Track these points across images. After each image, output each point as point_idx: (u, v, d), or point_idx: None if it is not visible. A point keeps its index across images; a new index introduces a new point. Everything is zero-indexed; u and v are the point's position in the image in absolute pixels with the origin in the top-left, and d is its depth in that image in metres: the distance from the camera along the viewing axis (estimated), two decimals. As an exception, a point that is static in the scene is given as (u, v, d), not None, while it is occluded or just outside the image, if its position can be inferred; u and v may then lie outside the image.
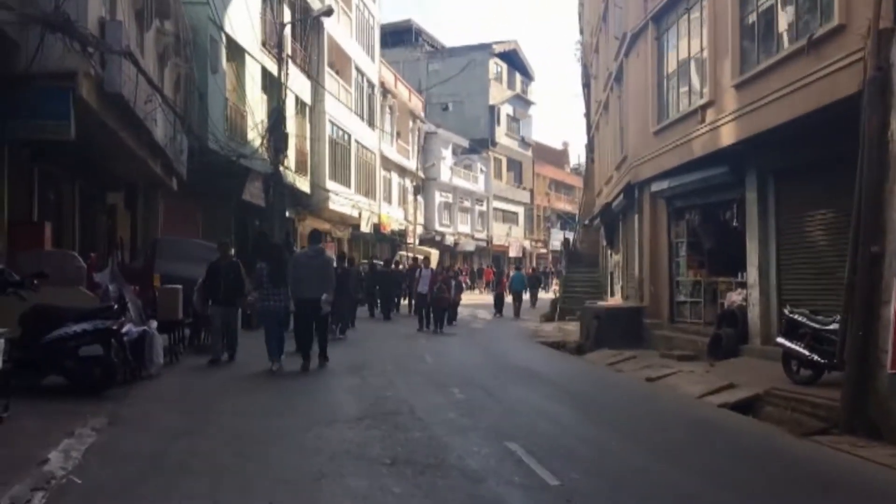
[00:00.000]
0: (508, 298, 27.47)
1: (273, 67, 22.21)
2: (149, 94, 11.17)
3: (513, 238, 59.85)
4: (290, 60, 23.08)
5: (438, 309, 19.20)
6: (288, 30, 23.88)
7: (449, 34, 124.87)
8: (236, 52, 21.02)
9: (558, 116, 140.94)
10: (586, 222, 29.45)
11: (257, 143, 20.57)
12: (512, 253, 59.35)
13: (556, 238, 68.06)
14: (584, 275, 28.26)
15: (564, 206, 70.69)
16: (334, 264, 13.26)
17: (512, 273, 31.23)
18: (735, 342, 12.62)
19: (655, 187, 15.76)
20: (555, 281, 38.69)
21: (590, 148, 30.16)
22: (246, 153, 19.54)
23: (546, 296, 33.45)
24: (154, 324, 9.64)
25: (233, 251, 13.47)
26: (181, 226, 20.46)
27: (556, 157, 72.74)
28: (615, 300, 22.09)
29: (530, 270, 40.69)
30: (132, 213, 18.74)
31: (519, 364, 13.48)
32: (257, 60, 22.44)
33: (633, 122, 17.81)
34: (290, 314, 11.39)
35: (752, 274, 12.52)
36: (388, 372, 10.99)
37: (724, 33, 12.45)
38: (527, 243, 63.10)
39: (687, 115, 14.03)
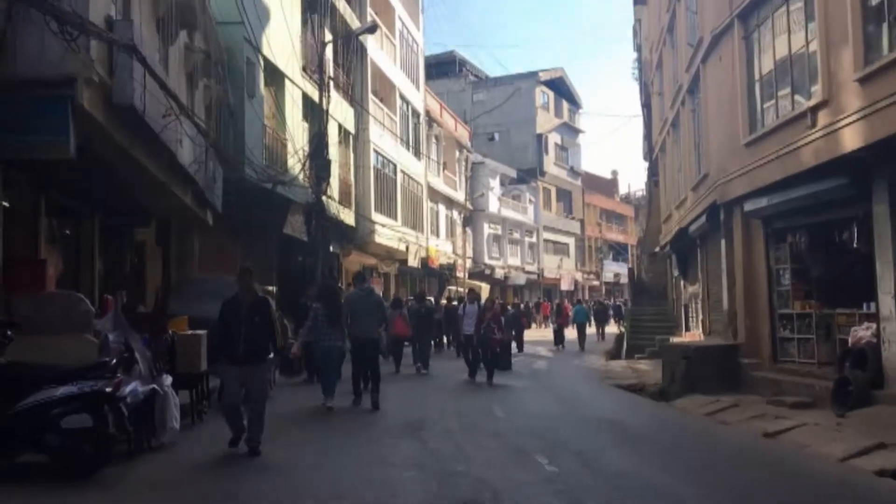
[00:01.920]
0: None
1: (314, 93, 20.72)
2: (167, 108, 9.54)
3: (564, 270, 57.60)
4: (332, 85, 21.64)
5: (487, 353, 15.03)
6: (330, 53, 22.51)
7: (491, 67, 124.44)
8: (275, 76, 19.62)
9: (605, 146, 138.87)
10: (654, 251, 27.25)
11: (298, 172, 19.02)
12: (564, 286, 57.13)
13: (609, 269, 65.81)
14: (651, 308, 26.04)
15: (616, 236, 68.38)
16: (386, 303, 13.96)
17: (574, 306, 30.55)
18: (866, 387, 10.43)
19: (749, 206, 13.69)
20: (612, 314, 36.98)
21: (652, 171, 28.10)
22: (285, 181, 17.90)
23: (611, 330, 31.50)
24: (168, 379, 7.87)
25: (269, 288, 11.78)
26: (218, 264, 18.92)
27: (606, 187, 70.64)
28: (694, 336, 19.88)
29: (597, 303, 39.00)
30: (164, 251, 17.27)
31: (602, 415, 11.45)
32: (297, 86, 21.02)
33: (716, 135, 15.80)
34: (343, 356, 11.66)
35: (886, 304, 10.36)
36: (453, 432, 9.05)
37: (841, 19, 10.45)
38: (579, 275, 60.76)
39: (790, 120, 12.01)
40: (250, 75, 17.83)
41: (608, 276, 65.12)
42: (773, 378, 13.03)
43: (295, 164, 18.86)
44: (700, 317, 19.45)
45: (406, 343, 17.82)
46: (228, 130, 16.64)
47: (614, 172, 75.41)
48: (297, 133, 20.56)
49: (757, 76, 13.64)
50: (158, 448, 7.34)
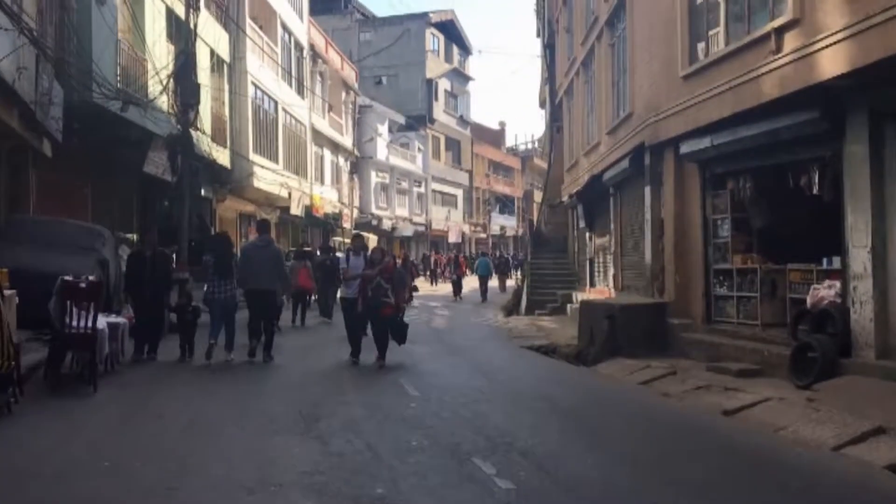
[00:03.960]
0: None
1: (181, 10, 17.58)
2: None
3: (452, 222, 56.08)
4: (202, 2, 18.56)
5: (378, 325, 10.98)
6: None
7: (379, 5, 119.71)
8: (132, -17, 16.45)
9: (493, 96, 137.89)
10: (556, 203, 25.79)
11: (161, 99, 16.05)
12: (451, 238, 55.66)
13: (496, 222, 64.85)
14: (551, 261, 24.66)
15: (503, 188, 67.38)
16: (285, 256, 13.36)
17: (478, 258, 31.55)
18: (834, 354, 9.08)
19: (686, 148, 12.11)
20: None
21: (554, 117, 26.50)
22: (139, 102, 14.93)
23: (511, 283, 30.47)
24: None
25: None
26: (64, 207, 15.85)
27: (494, 138, 69.28)
28: (602, 292, 18.53)
29: (499, 257, 38.53)
30: (-12, 188, 14.11)
31: (528, 390, 9.67)
32: (161, -2, 17.86)
33: (645, 69, 14.14)
34: (236, 307, 11.16)
35: (858, 259, 8.96)
36: (360, 423, 6.94)
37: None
38: (466, 228, 59.41)
39: (746, 45, 10.36)
40: (99, -24, 14.65)
41: (495, 228, 64.20)
42: (708, 341, 11.65)
43: (156, 88, 15.82)
44: (611, 271, 18.07)
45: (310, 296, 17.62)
46: (69, 42, 13.54)
47: (502, 123, 74.60)
48: (161, 54, 17.47)
49: (701, -3, 11.96)
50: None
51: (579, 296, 20.62)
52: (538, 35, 36.36)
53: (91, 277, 8.48)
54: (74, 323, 7.90)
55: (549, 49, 27.51)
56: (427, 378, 9.91)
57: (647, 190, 14.11)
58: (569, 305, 20.86)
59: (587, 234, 21.08)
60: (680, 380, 10.42)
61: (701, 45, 12.01)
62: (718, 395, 9.28)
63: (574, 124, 22.45)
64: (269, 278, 10.93)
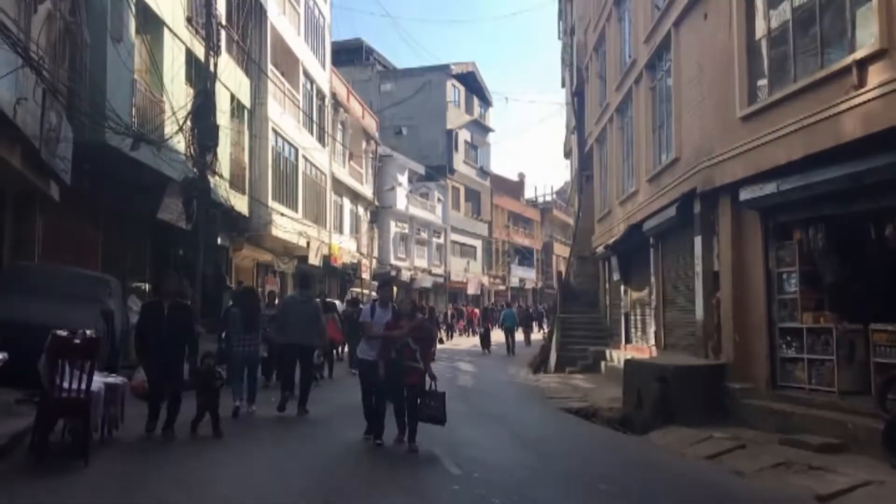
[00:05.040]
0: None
1: (202, 53, 16.88)
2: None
3: (471, 273, 54.98)
4: (224, 43, 17.91)
5: (407, 394, 8.72)
6: (222, 5, 18.80)
7: (399, 56, 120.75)
8: (151, 22, 15.78)
9: (512, 147, 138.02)
10: (585, 255, 24.69)
11: (177, 140, 15.22)
12: (470, 290, 54.55)
13: (515, 274, 63.65)
14: (581, 316, 23.45)
15: (522, 239, 66.39)
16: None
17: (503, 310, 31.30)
18: (939, 431, 7.86)
19: (747, 194, 11.04)
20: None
21: (583, 166, 25.59)
22: (152, 140, 14.07)
23: (536, 336, 29.43)
24: None
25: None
26: (73, 254, 14.97)
27: (513, 189, 68.57)
28: (642, 350, 17.30)
29: (521, 309, 38.36)
30: (-7, 234, 13.24)
31: (583, 468, 8.46)
32: (180, 39, 17.19)
33: (695, 111, 13.18)
34: (261, 360, 11.39)
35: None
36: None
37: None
38: (485, 279, 58.26)
39: (820, 81, 9.38)
40: (116, 13, 13.96)
41: (514, 280, 63.00)
42: (776, 409, 10.40)
43: (173, 129, 14.98)
44: (651, 328, 16.87)
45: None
46: (81, 78, 12.78)
47: (521, 175, 73.58)
48: (179, 96, 16.73)
49: (761, 32, 11.02)
50: None
51: (614, 353, 19.41)
52: (563, 85, 35.86)
53: (89, 332, 7.43)
54: (66, 384, 6.84)
55: (577, 97, 26.75)
56: (466, 450, 8.70)
57: (698, 240, 13.01)
58: (603, 363, 19.65)
59: (622, 288, 19.92)
60: (752, 455, 9.19)
61: (762, 83, 11.04)
62: (803, 475, 8.06)
63: (607, 173, 21.49)
64: (307, 334, 10.90)
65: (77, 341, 6.91)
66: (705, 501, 7.19)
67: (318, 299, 15.26)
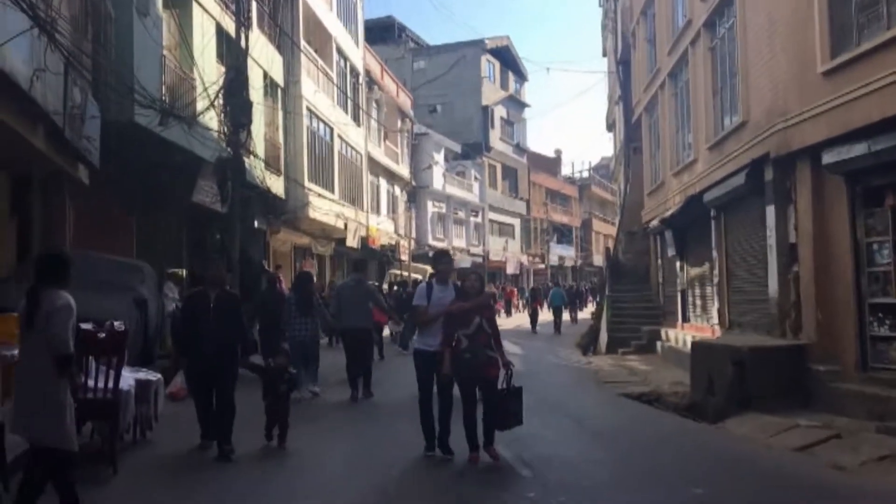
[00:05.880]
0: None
1: (232, 29, 16.06)
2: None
3: (510, 253, 54.05)
4: (255, 18, 17.13)
5: (483, 392, 7.26)
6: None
7: (431, 34, 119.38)
8: (179, -4, 15.07)
9: (547, 123, 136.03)
10: (633, 230, 23.61)
11: (210, 116, 14.48)
12: (509, 269, 53.65)
13: (554, 252, 62.51)
14: (631, 294, 22.44)
15: (560, 217, 65.13)
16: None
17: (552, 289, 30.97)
18: None
19: (833, 157, 9.96)
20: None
21: (629, 138, 24.45)
22: (181, 115, 13.31)
23: (582, 316, 28.73)
24: None
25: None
26: (105, 240, 14.37)
27: (550, 166, 67.26)
28: (703, 330, 16.29)
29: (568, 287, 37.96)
30: (21, 220, 12.65)
31: (664, 465, 7.56)
32: (210, 14, 16.46)
33: (765, 69, 12.07)
34: (318, 344, 11.49)
35: None
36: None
37: None
38: (524, 258, 57.28)
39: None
40: (142, -15, 13.25)
41: (553, 258, 61.90)
42: (868, 393, 9.40)
43: (205, 107, 14.22)
44: (712, 305, 15.85)
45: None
46: (109, 53, 12.09)
47: (558, 151, 72.23)
48: (211, 73, 16.00)
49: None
50: None
51: (670, 333, 18.42)
52: (604, 54, 34.57)
53: (117, 324, 6.73)
54: (91, 383, 6.14)
55: (622, 65, 25.53)
56: (532, 446, 7.86)
57: (770, 210, 11.96)
58: (658, 343, 18.67)
59: (677, 264, 18.86)
60: (850, 446, 8.24)
61: (847, 34, 9.93)
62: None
63: (658, 142, 20.36)
64: (363, 317, 11.03)
65: (102, 335, 6.19)
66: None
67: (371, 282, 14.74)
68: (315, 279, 16.99)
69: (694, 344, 12.47)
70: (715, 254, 15.38)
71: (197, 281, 17.89)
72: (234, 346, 7.28)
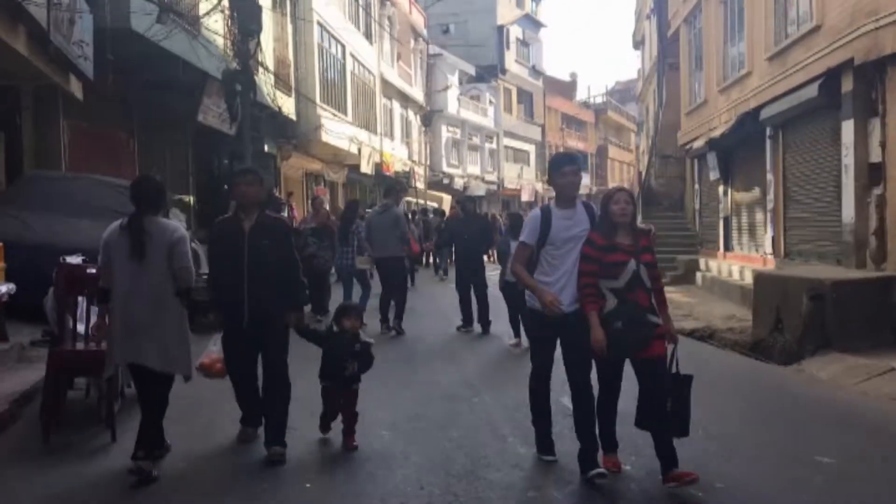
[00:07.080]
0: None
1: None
2: None
3: (524, 180, 52.56)
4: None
5: (647, 384, 4.65)
6: None
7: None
8: None
9: (563, 45, 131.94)
10: (668, 154, 22.18)
11: (214, 19, 13.01)
12: (524, 197, 52.21)
13: (570, 180, 60.68)
14: (665, 221, 21.16)
15: (576, 143, 63.18)
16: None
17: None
18: None
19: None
20: None
21: (665, 54, 22.80)
22: (178, 9, 11.85)
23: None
24: None
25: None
26: (104, 162, 13.15)
27: (565, 90, 64.97)
28: (752, 260, 15.10)
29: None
30: (10, 141, 11.43)
31: (753, 424, 6.50)
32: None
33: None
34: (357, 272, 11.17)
35: None
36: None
37: None
38: (539, 186, 55.76)
39: None
40: None
41: (570, 186, 60.21)
42: (972, 331, 8.27)
43: (211, 10, 12.71)
44: (763, 233, 14.62)
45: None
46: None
47: (573, 74, 69.79)
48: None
49: None
50: None
51: (711, 262, 17.27)
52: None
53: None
54: (82, 329, 5.00)
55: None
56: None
57: (848, 125, 10.61)
58: (698, 274, 17.52)
59: (720, 188, 17.54)
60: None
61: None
62: None
63: (702, 56, 18.74)
64: (391, 245, 10.46)
65: (93, 271, 5.01)
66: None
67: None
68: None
69: (758, 275, 11.27)
70: (770, 177, 14.06)
71: (206, 207, 16.80)
72: (281, 297, 5.05)
